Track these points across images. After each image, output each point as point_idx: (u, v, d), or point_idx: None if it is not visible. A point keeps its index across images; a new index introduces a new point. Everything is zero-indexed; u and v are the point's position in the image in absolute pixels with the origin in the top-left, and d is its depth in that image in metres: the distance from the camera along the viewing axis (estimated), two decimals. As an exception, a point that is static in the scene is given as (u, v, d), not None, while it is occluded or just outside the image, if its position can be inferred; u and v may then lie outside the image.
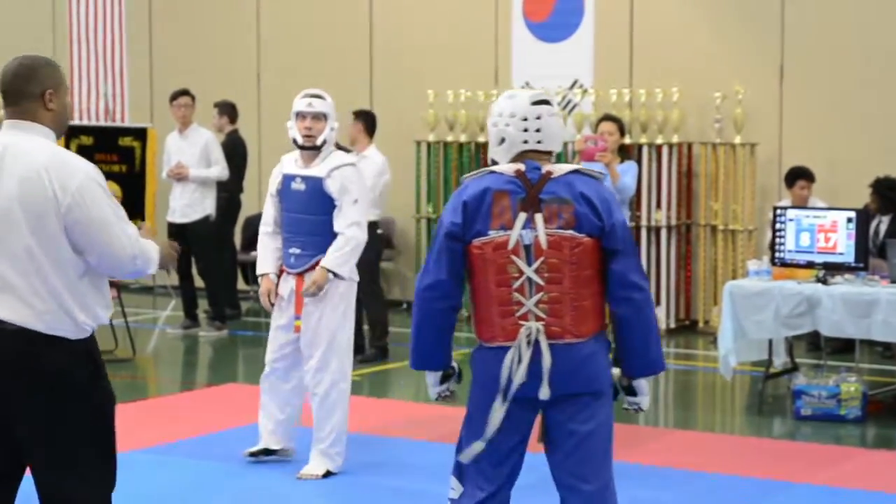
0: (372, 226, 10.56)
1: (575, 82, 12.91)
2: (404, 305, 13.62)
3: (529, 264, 4.56)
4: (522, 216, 4.58)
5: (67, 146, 10.02)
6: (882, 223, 10.96)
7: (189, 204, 11.90)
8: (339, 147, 10.80)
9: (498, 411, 4.58)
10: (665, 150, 12.33)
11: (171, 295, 13.83)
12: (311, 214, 7.08)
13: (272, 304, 7.17)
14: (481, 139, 13.17)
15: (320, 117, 7.14)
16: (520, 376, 4.54)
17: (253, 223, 11.85)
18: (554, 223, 4.57)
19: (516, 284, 4.57)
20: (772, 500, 6.86)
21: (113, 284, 8.46)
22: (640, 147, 12.34)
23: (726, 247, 12.22)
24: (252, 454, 7.30)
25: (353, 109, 11.07)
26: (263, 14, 14.57)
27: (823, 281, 8.80)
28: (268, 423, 7.30)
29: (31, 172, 4.26)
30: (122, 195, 9.94)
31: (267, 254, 7.26)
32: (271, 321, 7.31)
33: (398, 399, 9.53)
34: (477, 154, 13.16)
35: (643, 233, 12.25)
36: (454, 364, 4.79)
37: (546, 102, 4.72)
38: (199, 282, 12.28)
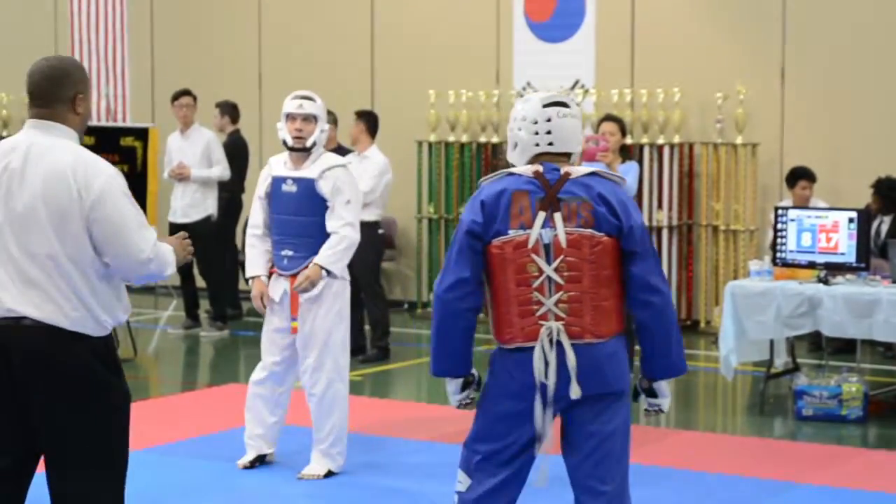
0: (373, 226, 10.59)
1: (576, 82, 12.91)
2: (405, 306, 13.62)
3: (549, 263, 4.56)
4: (542, 215, 4.57)
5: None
6: (883, 223, 10.96)
7: (190, 204, 11.90)
8: (340, 147, 10.92)
9: (541, 416, 4.56)
10: (666, 151, 12.33)
11: (173, 295, 13.82)
12: (302, 216, 7.05)
13: (265, 307, 7.19)
14: (483, 139, 13.18)
15: (310, 119, 7.12)
16: (552, 378, 4.53)
17: (254, 223, 11.84)
18: (573, 222, 4.57)
19: (536, 284, 4.56)
20: (773, 501, 6.86)
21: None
22: (641, 147, 12.34)
23: (728, 247, 12.22)
24: (250, 465, 7.27)
25: (355, 110, 11.09)
26: (265, 14, 14.57)
27: (825, 281, 8.80)
28: (256, 429, 7.27)
29: (57, 172, 4.31)
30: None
31: (257, 256, 7.23)
32: (264, 324, 7.30)
33: (398, 399, 9.53)
34: (478, 154, 13.17)
35: (644, 233, 12.23)
36: (473, 371, 4.74)
37: (559, 104, 4.69)
38: (200, 282, 12.28)
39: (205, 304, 12.35)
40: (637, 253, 4.59)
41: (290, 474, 7.14)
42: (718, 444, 8.20)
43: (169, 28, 15.19)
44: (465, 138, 13.24)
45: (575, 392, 4.53)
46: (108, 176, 4.35)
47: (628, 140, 11.49)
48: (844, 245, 8.84)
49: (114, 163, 10.48)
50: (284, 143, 7.15)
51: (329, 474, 7.11)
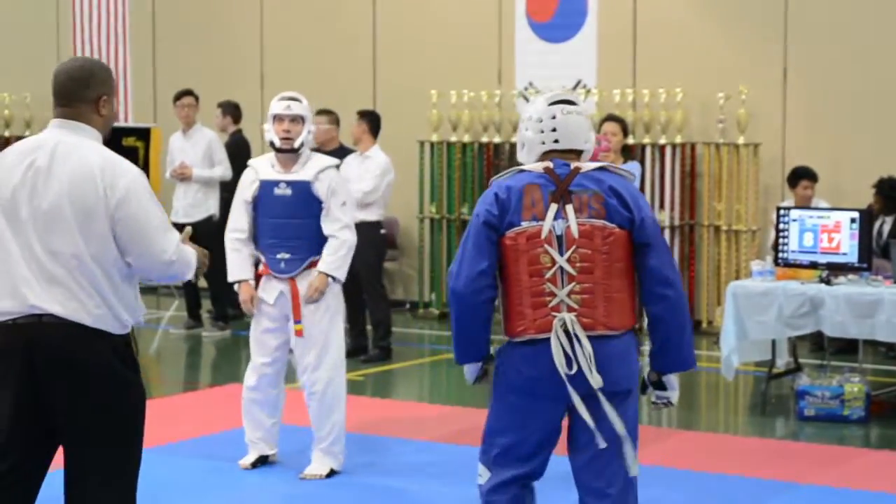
0: (375, 226, 10.59)
1: (578, 82, 12.90)
2: (407, 305, 13.61)
3: (561, 254, 4.59)
4: (554, 207, 4.62)
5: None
6: (885, 223, 10.95)
7: (192, 204, 11.90)
8: (343, 147, 10.92)
9: (580, 405, 4.57)
10: (668, 151, 12.33)
11: (175, 295, 13.83)
12: (298, 218, 7.04)
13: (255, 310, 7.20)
14: (484, 139, 13.18)
15: (298, 120, 7.11)
16: (584, 365, 4.54)
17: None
18: (585, 213, 4.61)
19: (549, 275, 4.60)
20: (775, 501, 6.86)
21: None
22: (643, 147, 12.34)
23: (729, 247, 12.21)
24: (252, 466, 7.27)
25: (357, 109, 11.09)
26: (267, 14, 14.57)
27: (827, 281, 8.79)
28: (255, 432, 7.28)
29: (84, 171, 4.33)
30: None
31: (242, 260, 7.24)
32: (252, 326, 7.31)
33: (400, 399, 9.52)
34: (480, 154, 13.17)
35: (646, 233, 12.23)
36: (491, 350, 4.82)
37: (565, 102, 4.74)
38: (202, 282, 12.26)
39: (206, 305, 12.35)
40: (651, 245, 4.63)
41: (291, 474, 7.14)
42: (720, 445, 8.20)
43: (171, 28, 15.20)
44: (466, 138, 13.24)
45: (596, 381, 4.55)
46: (133, 175, 4.38)
47: (630, 140, 11.48)
48: (846, 245, 8.84)
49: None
50: (272, 144, 7.14)
51: (331, 473, 7.11)
